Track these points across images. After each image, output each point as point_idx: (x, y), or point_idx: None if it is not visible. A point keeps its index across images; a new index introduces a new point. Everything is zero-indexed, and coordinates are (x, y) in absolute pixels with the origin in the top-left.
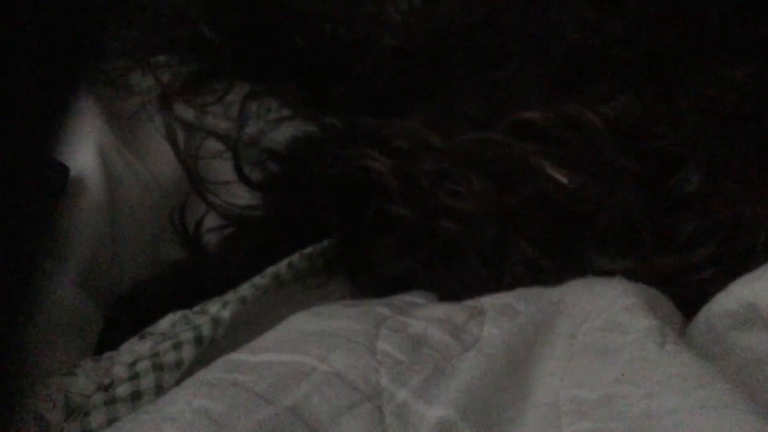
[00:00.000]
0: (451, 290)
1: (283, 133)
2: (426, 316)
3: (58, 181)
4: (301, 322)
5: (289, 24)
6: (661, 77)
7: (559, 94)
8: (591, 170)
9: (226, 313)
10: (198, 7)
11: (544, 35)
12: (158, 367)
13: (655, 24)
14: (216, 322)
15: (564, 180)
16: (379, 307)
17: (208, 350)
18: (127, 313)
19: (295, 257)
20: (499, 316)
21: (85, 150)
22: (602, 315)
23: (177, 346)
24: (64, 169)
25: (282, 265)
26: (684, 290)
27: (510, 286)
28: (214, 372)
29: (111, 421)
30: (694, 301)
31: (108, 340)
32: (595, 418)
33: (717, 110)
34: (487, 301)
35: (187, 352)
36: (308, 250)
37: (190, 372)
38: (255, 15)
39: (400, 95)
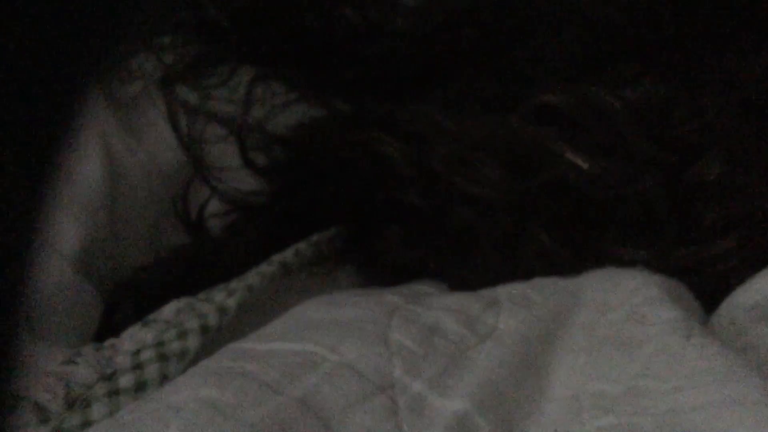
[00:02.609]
0: (463, 280)
1: (290, 117)
2: (439, 305)
3: None
4: (309, 311)
5: (298, 6)
6: (684, 60)
7: (579, 77)
8: (611, 156)
9: (232, 302)
10: None
11: (563, 15)
12: (163, 357)
13: (680, 4)
14: (222, 310)
15: (584, 165)
16: (391, 296)
17: (213, 338)
18: (128, 299)
19: (302, 245)
20: (515, 306)
21: (84, 133)
22: (623, 306)
23: (182, 335)
24: None
25: (289, 253)
26: (703, 282)
27: (524, 277)
28: (220, 361)
29: (113, 412)
30: (713, 293)
31: (109, 327)
32: (619, 413)
33: (741, 96)
34: (503, 291)
35: (193, 342)
36: (315, 237)
37: (194, 361)
38: None
39: (412, 80)
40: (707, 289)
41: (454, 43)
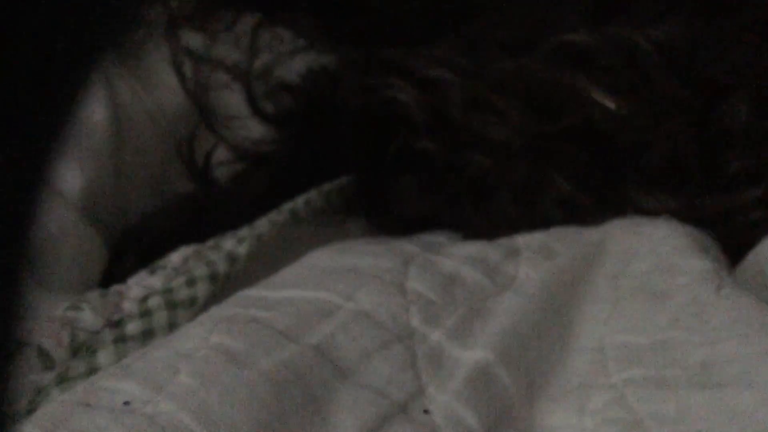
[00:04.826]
0: (479, 230)
1: (298, 65)
2: (457, 254)
3: None
4: (322, 259)
5: None
6: None
7: (603, 17)
8: (639, 97)
9: (242, 250)
10: None
11: None
12: (171, 304)
13: None
14: (231, 258)
15: (612, 106)
16: (406, 245)
17: (222, 288)
18: (134, 246)
19: (312, 194)
20: (535, 256)
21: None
22: (650, 256)
23: (191, 283)
24: None
25: (299, 202)
26: (728, 233)
27: (543, 227)
28: (230, 308)
29: (120, 359)
30: (739, 245)
31: (114, 274)
32: (648, 365)
33: None
34: (522, 240)
35: (202, 290)
36: (326, 187)
37: (202, 310)
38: None
39: (425, 25)
40: (732, 240)
41: None
